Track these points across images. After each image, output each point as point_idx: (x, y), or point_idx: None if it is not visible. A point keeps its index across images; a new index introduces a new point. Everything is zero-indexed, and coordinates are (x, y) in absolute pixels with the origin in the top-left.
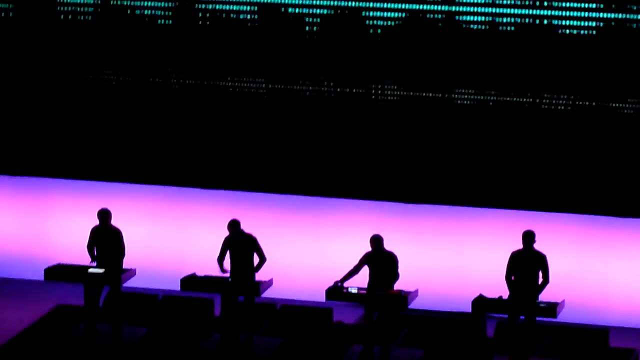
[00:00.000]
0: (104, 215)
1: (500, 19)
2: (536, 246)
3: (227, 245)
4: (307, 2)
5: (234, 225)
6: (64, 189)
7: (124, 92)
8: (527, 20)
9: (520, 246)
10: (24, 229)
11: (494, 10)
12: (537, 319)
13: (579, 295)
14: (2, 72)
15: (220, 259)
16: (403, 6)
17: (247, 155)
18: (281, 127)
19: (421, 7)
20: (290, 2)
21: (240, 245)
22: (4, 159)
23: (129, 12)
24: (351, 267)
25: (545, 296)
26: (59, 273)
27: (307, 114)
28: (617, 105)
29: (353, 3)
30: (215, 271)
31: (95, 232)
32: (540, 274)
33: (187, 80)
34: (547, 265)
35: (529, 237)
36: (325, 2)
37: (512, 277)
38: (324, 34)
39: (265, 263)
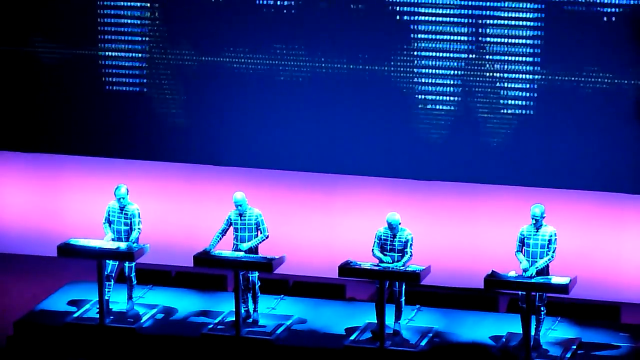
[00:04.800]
0: (121, 191)
1: None
2: (548, 222)
3: (231, 219)
4: None
5: (239, 198)
6: (77, 165)
7: (134, 70)
8: None
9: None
10: (37, 205)
11: None
12: (550, 295)
13: (591, 271)
14: (15, 51)
15: (220, 233)
16: None
17: (259, 132)
18: (294, 104)
19: None
20: None
21: (245, 220)
22: (18, 136)
23: None
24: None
25: (557, 273)
26: (72, 249)
27: (312, 92)
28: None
29: None
30: (227, 248)
31: (111, 208)
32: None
33: (195, 57)
34: (555, 240)
35: (537, 211)
36: None
37: (523, 252)
38: None
39: (266, 240)
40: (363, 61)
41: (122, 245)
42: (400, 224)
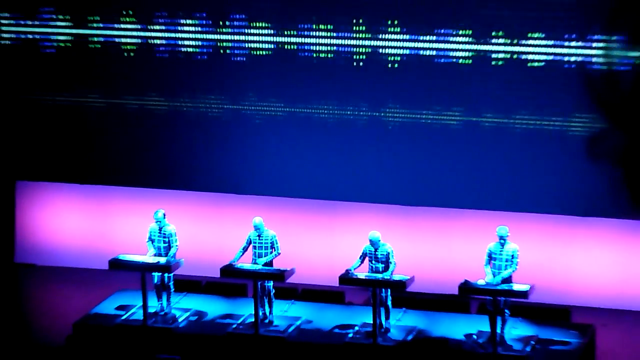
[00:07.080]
0: (159, 215)
1: None
2: (511, 239)
3: (251, 238)
4: None
5: (257, 222)
6: (125, 195)
7: (173, 112)
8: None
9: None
10: (91, 228)
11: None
12: (511, 299)
13: (546, 280)
14: (67, 101)
15: (242, 249)
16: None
17: (274, 166)
18: (301, 144)
19: None
20: None
21: (262, 239)
22: (75, 170)
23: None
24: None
25: (518, 281)
26: (121, 263)
27: (319, 134)
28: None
29: None
30: (247, 261)
31: (152, 229)
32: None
33: (221, 106)
34: (517, 255)
35: (503, 232)
36: None
37: (490, 265)
38: None
39: (279, 256)
40: (354, 106)
41: (162, 259)
42: (380, 240)
